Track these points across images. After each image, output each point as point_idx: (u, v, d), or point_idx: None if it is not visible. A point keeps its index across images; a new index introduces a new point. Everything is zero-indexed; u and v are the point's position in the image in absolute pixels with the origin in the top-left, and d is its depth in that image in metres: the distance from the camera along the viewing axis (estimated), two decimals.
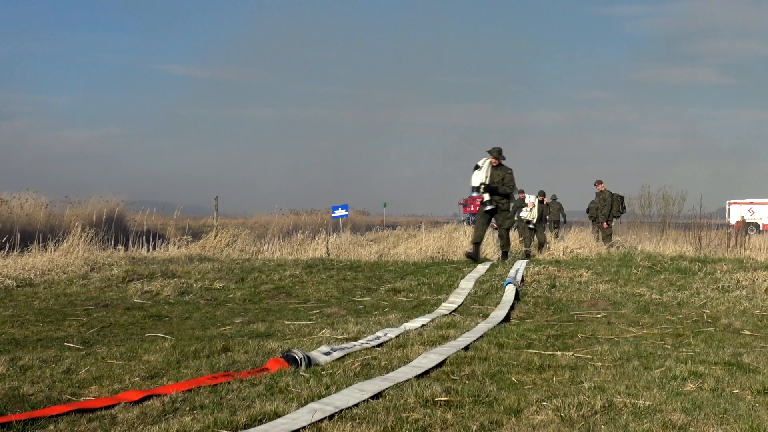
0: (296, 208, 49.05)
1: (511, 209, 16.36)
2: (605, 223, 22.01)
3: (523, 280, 12.82)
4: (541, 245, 22.36)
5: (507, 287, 11.81)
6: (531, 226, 24.01)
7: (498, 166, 15.62)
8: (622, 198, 22.78)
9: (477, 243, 15.70)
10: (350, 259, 16.85)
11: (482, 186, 15.26)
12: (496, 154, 15.61)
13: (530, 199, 25.67)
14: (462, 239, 20.60)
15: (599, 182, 22.58)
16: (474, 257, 15.38)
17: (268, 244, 19.98)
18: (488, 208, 15.47)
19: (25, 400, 5.46)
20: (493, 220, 20.61)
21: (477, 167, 15.37)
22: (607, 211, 22.03)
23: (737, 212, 53.94)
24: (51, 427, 4.76)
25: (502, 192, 15.51)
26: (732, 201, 56.72)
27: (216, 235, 19.94)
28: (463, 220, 54.55)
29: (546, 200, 26.25)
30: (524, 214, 24.32)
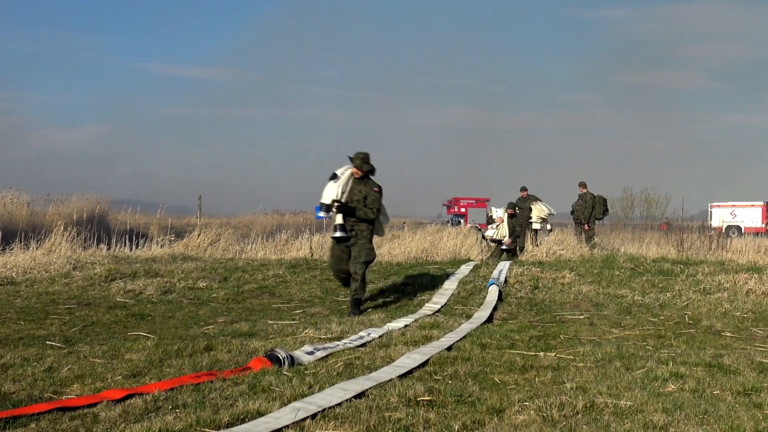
0: (280, 209, 48.95)
1: (377, 231, 11.09)
2: (586, 225, 22.09)
3: (506, 281, 12.85)
4: (521, 249, 20.28)
5: (490, 288, 11.84)
6: (504, 247, 20.19)
7: (362, 180, 10.68)
8: (604, 200, 22.85)
9: (357, 299, 10.67)
10: None
11: (335, 204, 10.54)
12: (360, 162, 10.59)
13: (498, 213, 21.17)
14: (446, 240, 20.61)
15: (582, 184, 22.65)
16: (355, 311, 10.43)
17: (252, 243, 19.95)
18: (337, 235, 10.58)
19: (7, 398, 5.44)
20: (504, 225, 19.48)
21: (334, 176, 10.72)
22: (588, 212, 22.11)
23: (719, 215, 54.26)
24: (33, 425, 4.74)
25: (361, 216, 10.57)
26: (714, 204, 57.02)
27: (199, 235, 19.88)
28: (447, 222, 54.60)
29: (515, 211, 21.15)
30: (489, 233, 20.78)
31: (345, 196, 10.61)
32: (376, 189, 10.71)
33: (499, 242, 20.34)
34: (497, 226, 20.48)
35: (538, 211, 21.92)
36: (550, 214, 22.48)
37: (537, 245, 19.63)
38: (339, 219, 10.58)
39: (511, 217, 20.42)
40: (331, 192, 10.59)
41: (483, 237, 21.39)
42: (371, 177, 10.84)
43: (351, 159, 10.72)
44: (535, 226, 21.65)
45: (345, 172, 10.76)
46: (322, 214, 10.90)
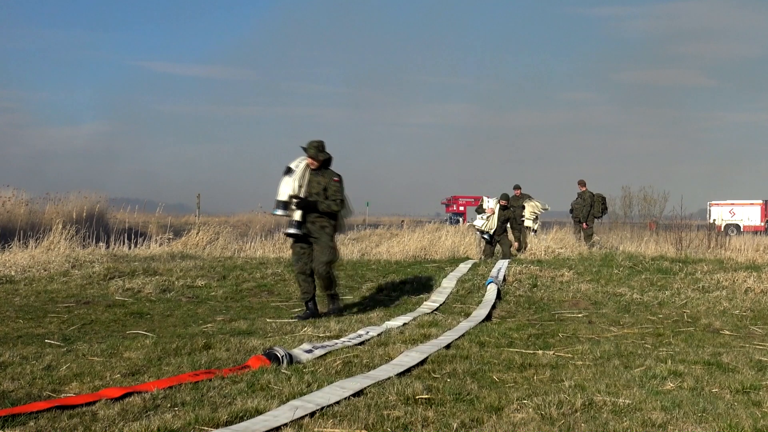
0: None
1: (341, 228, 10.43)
2: (585, 224, 22.10)
3: (504, 279, 12.86)
4: (520, 248, 19.73)
5: (489, 286, 11.85)
6: (485, 236, 19.19)
7: (319, 170, 9.86)
8: (603, 198, 22.87)
9: (307, 300, 10.03)
10: None
11: (292, 200, 9.70)
12: (315, 151, 9.78)
13: (489, 204, 19.70)
14: (445, 239, 20.62)
15: (581, 182, 22.65)
16: (311, 314, 9.83)
17: (250, 242, 19.93)
18: (290, 231, 9.83)
19: (6, 396, 5.44)
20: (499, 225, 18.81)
21: (288, 170, 9.81)
22: (586, 211, 22.12)
23: (718, 213, 54.29)
24: (31, 423, 4.73)
25: (324, 209, 9.76)
26: (713, 202, 57.06)
27: (198, 233, 19.87)
28: (446, 220, 54.66)
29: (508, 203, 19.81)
30: (478, 222, 19.37)
31: (303, 190, 9.79)
32: (335, 179, 9.89)
33: (490, 237, 19.11)
34: (487, 217, 19.18)
35: (531, 207, 21.49)
36: (544, 209, 22.04)
37: (524, 248, 19.44)
38: (297, 215, 9.79)
39: (503, 209, 19.11)
40: (288, 188, 9.79)
41: (482, 236, 21.31)
42: (329, 167, 10.03)
43: (304, 149, 9.88)
44: (528, 223, 21.24)
45: (300, 164, 9.92)
46: (279, 212, 9.94)
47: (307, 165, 9.89)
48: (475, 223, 19.74)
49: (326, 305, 10.17)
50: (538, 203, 21.55)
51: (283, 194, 9.81)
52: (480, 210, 19.66)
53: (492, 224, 18.94)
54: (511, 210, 19.58)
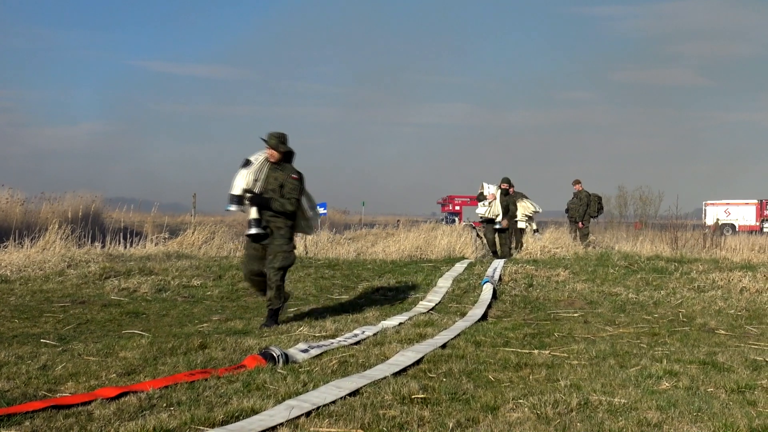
0: None
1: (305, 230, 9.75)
2: (581, 223, 22.09)
3: (500, 278, 12.87)
4: (516, 247, 19.29)
5: (485, 286, 11.86)
6: (497, 226, 18.73)
7: (279, 165, 9.09)
8: (599, 198, 22.88)
9: (273, 309, 9.19)
10: (328, 257, 16.86)
11: (246, 195, 8.95)
12: (276, 142, 9.02)
13: (490, 189, 18.99)
14: (440, 238, 20.62)
15: (577, 182, 22.64)
16: (270, 323, 9.03)
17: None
18: (252, 231, 9.07)
19: (1, 396, 5.43)
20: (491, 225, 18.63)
21: (247, 163, 9.06)
22: (583, 210, 22.10)
23: (713, 213, 54.37)
24: (27, 423, 4.73)
25: (278, 208, 8.95)
26: (708, 202, 57.15)
27: (194, 233, 19.85)
28: (442, 220, 54.66)
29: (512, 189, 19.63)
30: (481, 210, 18.93)
31: (259, 184, 9.03)
32: (294, 176, 9.05)
33: (491, 221, 18.72)
34: (489, 203, 18.65)
35: (523, 208, 20.64)
36: (536, 212, 21.16)
37: (520, 247, 19.26)
38: (253, 213, 9.04)
39: (504, 194, 18.76)
40: (242, 181, 9.03)
41: (477, 235, 21.28)
42: (290, 162, 9.26)
43: (265, 140, 9.11)
44: (521, 224, 20.55)
45: (259, 157, 9.16)
46: (232, 207, 9.13)
47: (266, 158, 9.13)
48: (477, 211, 19.36)
49: (267, 317, 9.14)
50: (529, 204, 20.94)
51: (237, 188, 9.02)
52: (481, 198, 19.11)
53: (495, 210, 18.56)
54: (512, 195, 19.21)
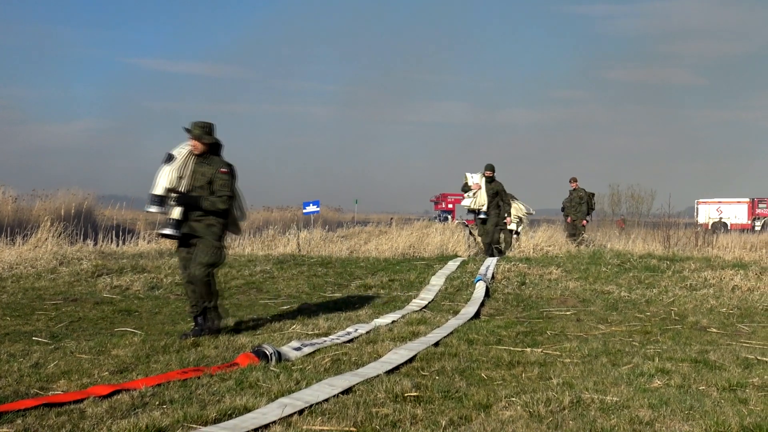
0: (268, 205, 48.89)
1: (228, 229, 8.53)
2: (584, 221, 22.08)
3: (493, 277, 12.88)
4: (509, 244, 18.41)
5: (477, 284, 11.86)
6: (482, 216, 17.53)
7: (205, 159, 8.15)
8: (592, 195, 22.93)
9: (196, 315, 8.25)
10: (321, 255, 16.85)
11: (169, 194, 8.02)
12: (200, 132, 8.10)
13: (474, 179, 17.68)
14: (433, 236, 20.63)
15: (573, 180, 22.64)
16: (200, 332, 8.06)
17: (239, 239, 19.91)
18: (166, 232, 8.16)
19: None
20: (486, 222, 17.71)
21: (169, 158, 8.02)
22: (585, 208, 22.09)
23: (705, 211, 54.51)
24: (19, 421, 4.73)
25: (208, 208, 8.06)
26: (700, 200, 57.27)
27: None
28: (435, 218, 54.67)
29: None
30: (466, 201, 17.78)
31: (184, 182, 8.05)
32: (223, 170, 8.13)
33: (477, 212, 17.53)
34: (474, 193, 17.45)
35: (515, 210, 19.78)
36: (528, 214, 20.53)
37: (511, 249, 19.06)
38: (176, 213, 8.06)
39: (489, 181, 17.43)
40: (165, 179, 8.02)
41: (470, 233, 21.23)
42: (219, 155, 8.32)
43: (188, 130, 8.11)
44: (512, 226, 19.67)
45: (182, 150, 8.18)
46: (152, 209, 8.10)
47: (191, 151, 8.19)
48: (463, 203, 18.16)
49: (209, 319, 8.27)
50: (521, 206, 20.32)
51: (159, 187, 8.03)
52: (466, 188, 17.86)
53: (481, 200, 17.42)
54: (498, 182, 17.76)
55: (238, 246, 18.83)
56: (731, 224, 53.14)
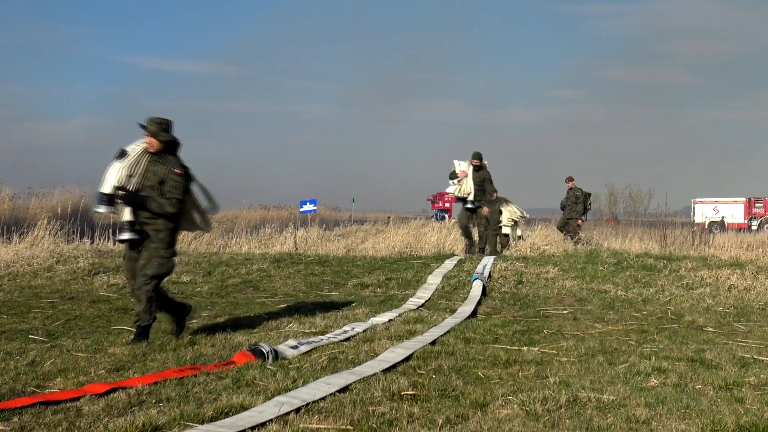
0: (265, 203, 48.87)
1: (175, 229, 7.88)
2: (580, 220, 22.12)
3: (490, 276, 12.88)
4: (503, 246, 18.13)
5: (474, 283, 11.86)
6: (468, 205, 16.80)
7: (159, 158, 7.63)
8: (588, 194, 23.00)
9: (142, 327, 7.55)
10: (318, 253, 16.84)
11: (119, 193, 7.50)
12: (156, 129, 7.58)
13: (461, 167, 16.90)
14: (430, 235, 20.63)
15: (570, 179, 22.68)
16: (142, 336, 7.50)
17: (236, 238, 19.91)
18: (124, 237, 7.68)
19: None
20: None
21: (122, 154, 7.49)
22: (581, 207, 22.16)
23: (702, 211, 54.58)
24: (15, 419, 4.72)
25: (155, 210, 7.49)
26: (697, 200, 57.35)
27: None
28: (432, 217, 54.66)
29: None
30: (451, 189, 17.15)
31: (134, 180, 7.51)
32: (177, 171, 7.59)
33: (463, 200, 16.86)
34: (459, 181, 16.71)
35: (509, 213, 19.75)
36: (522, 217, 20.24)
37: (509, 248, 18.90)
38: (127, 214, 7.58)
39: (477, 169, 16.72)
40: (114, 177, 7.49)
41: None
42: (175, 154, 7.78)
43: (143, 126, 7.58)
44: (506, 230, 19.59)
45: (137, 147, 7.65)
46: (101, 209, 7.62)
47: (145, 149, 7.66)
48: (448, 190, 17.48)
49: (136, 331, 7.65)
50: (516, 209, 20.05)
51: (108, 185, 7.51)
52: (453, 176, 17.00)
53: (467, 188, 16.69)
54: (486, 171, 17.03)
55: (235, 244, 18.83)
56: (728, 223, 53.24)
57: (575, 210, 22.06)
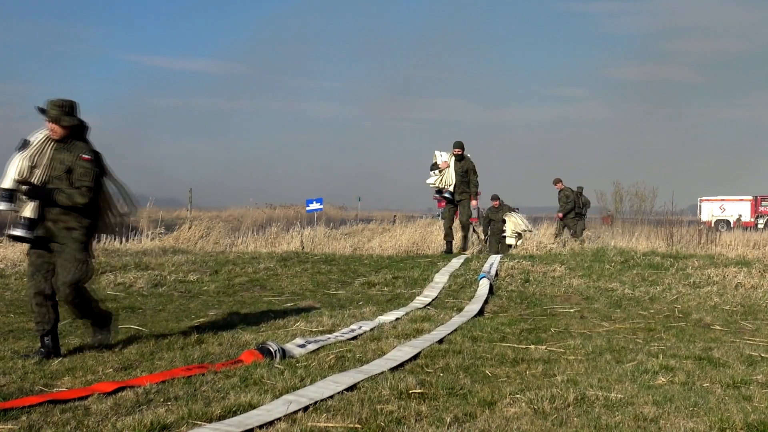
0: (271, 202, 48.97)
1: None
2: (559, 214, 22.53)
3: (497, 274, 12.87)
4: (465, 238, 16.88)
5: (481, 281, 11.85)
6: (447, 195, 15.90)
7: (65, 144, 6.74)
8: (580, 191, 23.34)
9: (42, 334, 6.81)
10: (325, 252, 16.84)
11: (22, 187, 6.67)
12: (58, 113, 6.67)
13: (442, 157, 15.89)
14: (437, 234, 20.62)
15: (557, 181, 23.05)
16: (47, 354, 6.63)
17: (243, 236, 19.93)
18: (15, 233, 6.76)
19: None
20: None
21: (24, 145, 6.61)
22: (572, 206, 22.48)
23: (708, 209, 54.51)
24: (24, 417, 4.73)
25: (64, 202, 6.65)
26: (703, 198, 57.25)
27: (190, 228, 19.85)
28: (438, 215, 54.63)
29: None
30: (431, 180, 16.00)
31: (39, 172, 6.65)
32: (85, 156, 6.71)
33: (440, 191, 15.95)
34: (441, 171, 15.74)
35: (513, 224, 19.36)
36: (526, 230, 19.53)
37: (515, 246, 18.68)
38: (29, 211, 6.71)
39: (459, 159, 15.71)
40: (14, 169, 6.64)
41: (474, 230, 21.20)
42: (83, 140, 6.89)
43: (42, 110, 6.68)
44: (509, 241, 19.09)
45: (39, 135, 6.75)
46: (1, 206, 6.70)
47: (47, 136, 6.78)
48: (428, 181, 16.15)
49: (91, 333, 7.30)
50: (520, 221, 19.65)
51: (8, 179, 6.66)
52: (434, 167, 16.02)
53: (448, 178, 15.69)
54: (469, 161, 15.96)
55: (242, 243, 18.85)
56: (734, 222, 53.14)
57: (563, 209, 22.37)
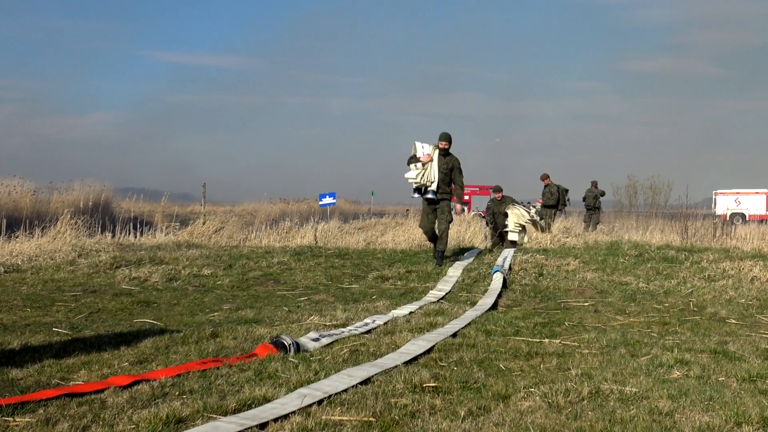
0: (284, 197, 49.04)
1: None
2: (540, 199, 23.18)
3: (510, 268, 12.86)
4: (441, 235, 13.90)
5: (494, 275, 11.85)
6: (429, 195, 13.65)
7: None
8: (566, 190, 23.71)
9: None
10: (338, 246, 16.87)
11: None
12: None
13: (424, 150, 13.81)
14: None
15: (544, 176, 23.52)
16: None
17: (256, 231, 19.97)
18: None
19: (15, 384, 5.46)
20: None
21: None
22: (554, 201, 23.04)
23: (723, 202, 54.23)
24: (41, 410, 4.75)
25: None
26: (718, 191, 56.98)
27: (204, 222, 19.92)
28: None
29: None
30: (411, 174, 13.74)
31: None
32: None
33: (434, 195, 13.63)
34: (423, 164, 13.59)
35: (516, 217, 18.40)
36: (530, 221, 18.84)
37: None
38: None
39: (444, 154, 13.69)
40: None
41: (487, 224, 21.13)
42: None
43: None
44: (512, 236, 18.24)
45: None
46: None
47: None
48: (406, 175, 13.88)
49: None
50: (523, 212, 18.65)
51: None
52: (412, 160, 13.82)
53: (431, 175, 13.62)
54: (454, 158, 13.84)
55: (256, 238, 18.88)
56: (749, 215, 52.87)
57: (548, 203, 22.92)
